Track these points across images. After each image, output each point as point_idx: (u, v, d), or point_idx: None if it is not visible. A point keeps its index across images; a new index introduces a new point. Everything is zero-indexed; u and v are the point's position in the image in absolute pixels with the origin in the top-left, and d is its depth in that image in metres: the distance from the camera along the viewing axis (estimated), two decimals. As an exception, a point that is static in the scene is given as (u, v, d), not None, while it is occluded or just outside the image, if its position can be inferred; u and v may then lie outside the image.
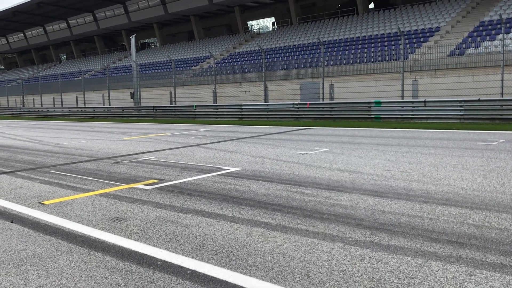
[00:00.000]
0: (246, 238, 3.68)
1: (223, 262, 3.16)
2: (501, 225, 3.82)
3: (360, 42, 29.20)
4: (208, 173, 6.82)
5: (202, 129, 16.50)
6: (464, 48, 22.85)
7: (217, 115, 22.85)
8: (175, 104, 27.16)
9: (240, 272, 2.98)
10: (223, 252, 3.36)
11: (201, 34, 46.53)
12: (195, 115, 23.79)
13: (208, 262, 3.16)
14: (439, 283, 2.72)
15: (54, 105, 40.53)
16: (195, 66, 37.48)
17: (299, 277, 2.87)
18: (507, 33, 21.50)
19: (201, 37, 46.39)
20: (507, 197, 4.77)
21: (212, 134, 14.25)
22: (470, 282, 2.73)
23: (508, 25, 22.30)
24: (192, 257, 3.27)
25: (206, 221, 4.19)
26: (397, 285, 2.72)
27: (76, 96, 38.45)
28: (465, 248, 3.29)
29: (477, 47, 22.31)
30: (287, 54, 31.77)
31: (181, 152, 9.63)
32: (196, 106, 24.08)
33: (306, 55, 29.90)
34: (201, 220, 4.25)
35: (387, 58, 25.04)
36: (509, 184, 5.42)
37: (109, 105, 31.86)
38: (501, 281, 2.73)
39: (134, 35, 32.72)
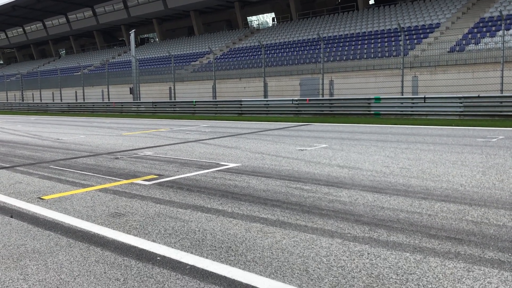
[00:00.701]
0: (245, 233, 3.69)
1: (222, 258, 3.16)
2: (500, 222, 3.82)
3: (360, 38, 29.14)
4: (208, 168, 6.82)
5: (202, 125, 16.49)
6: (464, 44, 22.81)
7: (217, 110, 22.83)
8: (175, 99, 27.12)
9: (239, 268, 2.98)
10: (222, 248, 3.36)
11: (200, 30, 46.41)
12: (195, 110, 23.77)
13: (207, 258, 3.17)
14: (437, 279, 2.73)
15: (53, 100, 40.49)
16: (195, 61, 37.41)
17: (298, 273, 2.88)
18: (507, 29, 21.45)
19: (201, 32, 46.27)
20: (505, 194, 4.77)
21: (212, 129, 14.24)
22: (468, 278, 2.74)
23: (508, 21, 22.25)
24: (191, 252, 3.28)
25: (205, 217, 4.20)
26: (395, 281, 2.72)
27: (76, 91, 38.38)
28: (464, 245, 3.30)
29: (477, 44, 22.28)
30: (287, 49, 31.70)
31: (181, 147, 9.63)
32: (195, 101, 24.06)
33: (306, 51, 29.84)
34: (200, 215, 4.25)
35: (387, 54, 25.00)
36: (508, 180, 5.43)
37: (108, 100, 31.82)
38: (499, 277, 2.74)
39: (133, 30, 32.63)
